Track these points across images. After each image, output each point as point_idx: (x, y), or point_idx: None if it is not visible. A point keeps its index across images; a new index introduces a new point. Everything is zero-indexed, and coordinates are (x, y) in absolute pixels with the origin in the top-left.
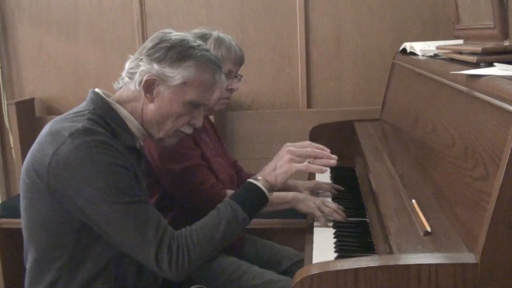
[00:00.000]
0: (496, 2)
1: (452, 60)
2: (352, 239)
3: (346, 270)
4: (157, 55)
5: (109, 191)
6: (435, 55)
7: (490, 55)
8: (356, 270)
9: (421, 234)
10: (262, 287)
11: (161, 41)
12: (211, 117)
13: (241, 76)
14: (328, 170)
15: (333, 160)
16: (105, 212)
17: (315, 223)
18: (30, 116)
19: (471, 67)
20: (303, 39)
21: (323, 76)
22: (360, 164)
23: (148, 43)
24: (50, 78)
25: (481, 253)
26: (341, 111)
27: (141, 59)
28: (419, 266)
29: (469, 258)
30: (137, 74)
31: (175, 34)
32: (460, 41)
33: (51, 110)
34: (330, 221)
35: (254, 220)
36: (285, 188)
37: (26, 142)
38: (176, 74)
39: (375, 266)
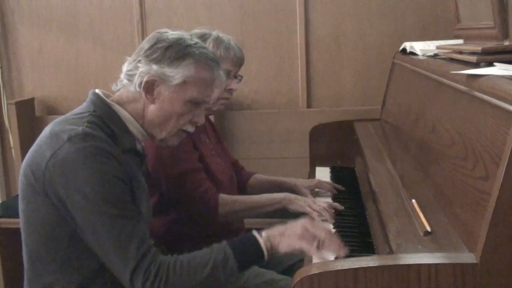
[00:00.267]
0: (496, 2)
1: (452, 60)
2: (352, 239)
3: (346, 270)
4: (155, 55)
5: (97, 201)
6: (435, 55)
7: (490, 55)
8: (356, 270)
9: (421, 234)
10: (262, 287)
11: (158, 41)
12: (211, 117)
13: (241, 77)
14: (328, 170)
15: (343, 252)
16: (91, 221)
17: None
18: (30, 116)
19: (471, 67)
20: (303, 39)
21: (323, 76)
22: (360, 164)
23: (145, 44)
24: (50, 78)
25: (481, 253)
26: (341, 111)
27: (139, 61)
28: (419, 266)
29: (469, 258)
30: (136, 75)
31: (171, 34)
32: (460, 41)
33: (51, 110)
34: (327, 220)
35: (254, 220)
36: (284, 187)
37: (26, 142)
38: (176, 74)
39: (375, 266)
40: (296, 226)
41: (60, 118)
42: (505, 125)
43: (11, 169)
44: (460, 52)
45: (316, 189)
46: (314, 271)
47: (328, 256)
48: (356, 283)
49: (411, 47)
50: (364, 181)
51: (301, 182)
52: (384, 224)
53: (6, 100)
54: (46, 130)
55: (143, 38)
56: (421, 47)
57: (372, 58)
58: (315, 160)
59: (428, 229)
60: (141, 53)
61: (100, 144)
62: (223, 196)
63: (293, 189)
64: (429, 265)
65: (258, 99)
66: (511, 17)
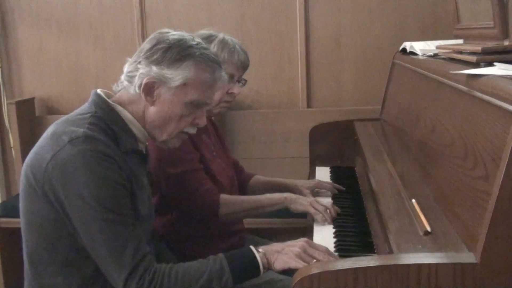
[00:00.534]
0: (496, 2)
1: (452, 59)
2: (352, 239)
3: (346, 270)
4: (155, 56)
5: (95, 205)
6: (435, 55)
7: (490, 54)
8: (356, 270)
9: (421, 233)
10: (262, 287)
11: (158, 42)
12: None
13: (245, 81)
14: (328, 170)
15: None
16: (87, 224)
17: (315, 223)
18: (30, 116)
19: (471, 66)
20: (303, 39)
21: (323, 76)
22: (360, 164)
23: (146, 45)
24: (50, 77)
25: (481, 253)
26: (341, 111)
27: (139, 62)
28: (419, 265)
29: (469, 257)
30: (136, 77)
31: (172, 34)
32: (460, 41)
33: (51, 110)
34: (327, 220)
35: (254, 220)
36: (284, 188)
37: (26, 142)
38: (176, 75)
39: (375, 266)
40: (294, 245)
41: (61, 118)
42: (505, 125)
43: (11, 169)
44: (460, 52)
45: (316, 189)
46: (314, 271)
47: None
48: (356, 283)
49: (411, 47)
50: (364, 181)
51: (302, 183)
52: (384, 224)
53: (6, 99)
54: (48, 131)
55: (143, 38)
56: (421, 47)
57: (372, 58)
58: (315, 160)
59: (428, 229)
60: (142, 54)
61: (101, 147)
62: (224, 196)
63: (294, 190)
64: (429, 264)
65: (258, 99)
66: (511, 17)
